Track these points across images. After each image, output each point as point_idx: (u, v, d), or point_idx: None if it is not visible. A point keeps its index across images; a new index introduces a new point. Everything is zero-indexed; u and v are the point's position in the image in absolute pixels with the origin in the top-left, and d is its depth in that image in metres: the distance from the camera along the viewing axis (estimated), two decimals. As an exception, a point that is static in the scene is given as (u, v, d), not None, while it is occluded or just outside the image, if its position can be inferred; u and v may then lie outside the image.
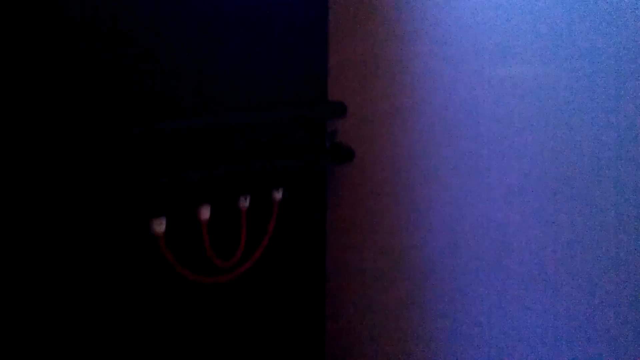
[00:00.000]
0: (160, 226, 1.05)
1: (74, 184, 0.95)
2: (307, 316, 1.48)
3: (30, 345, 0.97)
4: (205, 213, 1.13)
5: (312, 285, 1.47)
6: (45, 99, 0.91)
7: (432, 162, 1.34)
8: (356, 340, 1.53)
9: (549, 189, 1.11)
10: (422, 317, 1.41)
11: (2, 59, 0.87)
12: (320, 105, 1.40)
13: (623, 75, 0.98)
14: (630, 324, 1.02)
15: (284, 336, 1.42)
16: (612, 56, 0.98)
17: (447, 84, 1.28)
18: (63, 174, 0.94)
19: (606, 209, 1.03)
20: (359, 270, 1.50)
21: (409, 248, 1.42)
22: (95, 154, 0.94)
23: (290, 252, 1.39)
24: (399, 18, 1.34)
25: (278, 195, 1.28)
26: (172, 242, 1.09)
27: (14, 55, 0.88)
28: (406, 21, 1.34)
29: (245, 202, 1.21)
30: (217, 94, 1.16)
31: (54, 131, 0.92)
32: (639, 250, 0.99)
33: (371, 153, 1.45)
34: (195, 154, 1.11)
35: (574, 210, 1.08)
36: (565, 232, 1.10)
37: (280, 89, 1.29)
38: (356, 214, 1.49)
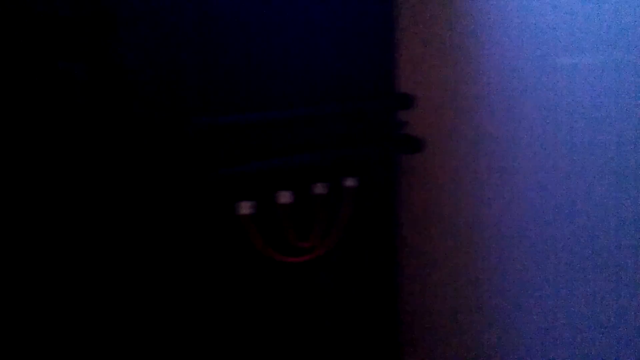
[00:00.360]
0: (246, 208, 1.17)
1: (173, 171, 1.09)
2: (379, 296, 1.56)
3: (129, 319, 1.12)
4: (285, 197, 1.25)
5: (384, 266, 1.56)
6: (151, 95, 1.06)
7: (500, 152, 1.38)
8: (430, 320, 1.60)
9: (626, 178, 1.13)
10: (491, 297, 1.46)
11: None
12: (387, 97, 1.49)
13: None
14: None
15: (358, 315, 1.51)
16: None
17: (518, 74, 1.31)
18: (164, 163, 1.08)
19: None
20: (429, 254, 1.57)
21: (477, 232, 1.47)
22: (191, 144, 1.08)
23: (363, 235, 1.48)
24: (469, 7, 1.40)
25: (351, 183, 1.38)
26: (256, 223, 1.21)
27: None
28: (476, 11, 1.39)
29: (320, 189, 1.31)
30: (293, 88, 1.27)
31: (159, 123, 1.07)
32: None
33: (440, 143, 1.51)
34: (276, 143, 1.23)
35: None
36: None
37: (351, 82, 1.39)
38: (425, 201, 1.56)
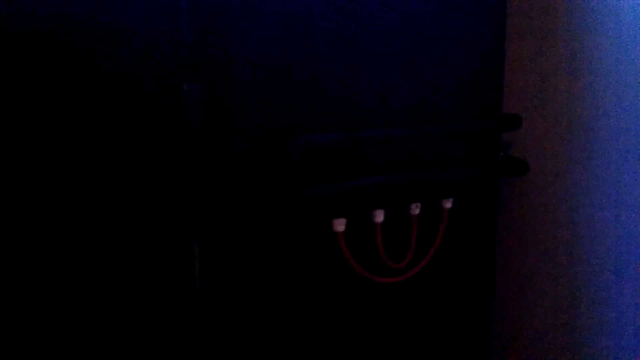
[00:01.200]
0: (340, 226, 1.18)
1: (274, 188, 1.11)
2: (475, 324, 1.51)
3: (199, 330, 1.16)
4: (380, 216, 1.23)
5: (480, 290, 1.50)
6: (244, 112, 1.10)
7: (610, 179, 1.29)
8: (524, 345, 1.52)
9: None
10: (586, 323, 1.36)
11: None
12: (493, 117, 1.43)
13: None
14: None
15: (451, 339, 1.47)
16: None
17: (631, 98, 1.22)
18: (266, 181, 1.11)
19: None
20: (527, 279, 1.49)
21: (578, 262, 1.38)
22: (290, 162, 1.10)
23: (459, 259, 1.44)
24: (581, 29, 1.32)
25: (447, 204, 1.34)
26: (350, 241, 1.21)
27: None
28: (587, 33, 1.30)
29: (416, 209, 1.29)
30: (396, 106, 1.26)
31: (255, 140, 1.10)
32: None
33: (546, 167, 1.43)
34: (373, 163, 1.22)
35: None
36: None
37: (455, 101, 1.35)
38: (527, 228, 1.49)
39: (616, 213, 1.29)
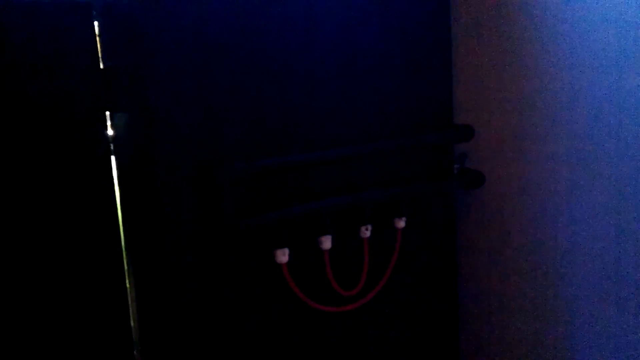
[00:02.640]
0: (283, 256, 1.09)
1: (208, 219, 1.03)
2: (439, 347, 1.44)
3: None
4: (327, 243, 1.15)
5: (442, 313, 1.43)
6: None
7: (568, 185, 1.24)
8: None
9: None
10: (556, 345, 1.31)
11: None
12: (446, 129, 1.36)
13: None
14: None
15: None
16: None
17: (588, 101, 1.17)
18: (198, 211, 1.02)
19: None
20: (493, 297, 1.42)
21: (541, 272, 1.32)
22: (223, 191, 1.01)
23: (417, 280, 1.36)
24: (527, 39, 1.27)
25: (401, 223, 1.27)
26: (296, 271, 1.13)
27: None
28: (534, 41, 1.25)
29: (366, 232, 1.21)
30: (341, 125, 1.18)
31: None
32: None
33: (502, 177, 1.38)
34: (317, 186, 1.14)
35: None
36: None
37: (404, 114, 1.28)
38: (487, 239, 1.42)
39: (572, 215, 1.25)
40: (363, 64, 1.20)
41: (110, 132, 1.03)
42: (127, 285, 1.06)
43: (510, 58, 1.29)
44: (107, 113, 1.00)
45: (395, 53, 1.25)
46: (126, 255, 1.04)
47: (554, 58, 1.22)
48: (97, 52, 0.97)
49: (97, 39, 0.97)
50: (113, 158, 1.02)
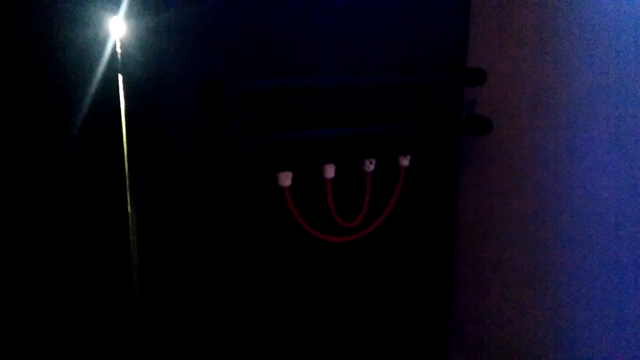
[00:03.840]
0: (286, 180, 1.09)
1: (211, 138, 1.02)
2: (433, 284, 1.45)
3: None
4: (330, 172, 1.15)
5: (438, 257, 1.44)
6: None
7: (577, 139, 1.23)
8: (484, 308, 1.47)
9: None
10: (547, 286, 1.32)
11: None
12: (457, 71, 1.34)
13: None
14: None
15: (407, 302, 1.41)
16: None
17: (601, 57, 1.15)
18: (202, 128, 1.02)
19: None
20: (490, 248, 1.43)
21: (541, 225, 1.32)
22: (227, 108, 1.01)
23: (416, 220, 1.37)
24: None
25: (405, 161, 1.27)
26: (298, 197, 1.13)
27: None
28: None
29: (370, 166, 1.21)
30: (351, 53, 1.16)
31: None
32: None
33: (511, 126, 1.36)
34: (325, 113, 1.14)
35: None
36: None
37: (417, 52, 1.26)
38: (488, 189, 1.42)
39: (582, 177, 1.24)
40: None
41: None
42: (129, 209, 1.06)
43: (532, 8, 1.26)
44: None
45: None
46: (129, 182, 1.04)
47: (575, 13, 1.19)
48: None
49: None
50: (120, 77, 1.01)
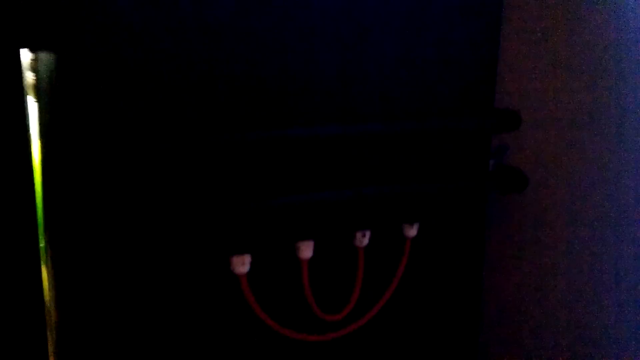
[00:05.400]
0: (241, 266, 0.80)
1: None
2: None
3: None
4: (307, 251, 0.86)
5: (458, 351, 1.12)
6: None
7: (619, 186, 0.93)
8: None
9: None
10: None
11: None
12: (485, 114, 1.03)
13: None
14: None
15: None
16: None
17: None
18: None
19: None
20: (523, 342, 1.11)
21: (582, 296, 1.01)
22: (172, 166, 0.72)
23: (424, 308, 1.05)
24: (580, 25, 0.95)
25: (412, 231, 0.96)
26: (261, 286, 0.84)
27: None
28: (588, 29, 0.94)
29: (363, 239, 0.91)
30: (345, 95, 0.87)
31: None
32: None
33: (550, 179, 1.07)
34: (295, 172, 0.84)
35: None
36: None
37: (432, 91, 0.96)
38: (522, 264, 1.11)
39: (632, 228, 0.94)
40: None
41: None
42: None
43: (562, 47, 0.97)
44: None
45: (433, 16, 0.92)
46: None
47: (607, 50, 0.91)
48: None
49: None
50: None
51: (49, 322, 0.76)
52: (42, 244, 0.76)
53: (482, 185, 1.05)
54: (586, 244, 1.05)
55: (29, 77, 0.75)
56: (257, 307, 0.83)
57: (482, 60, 1.00)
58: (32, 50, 0.72)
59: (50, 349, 0.77)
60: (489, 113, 1.03)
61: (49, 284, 0.77)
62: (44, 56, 0.71)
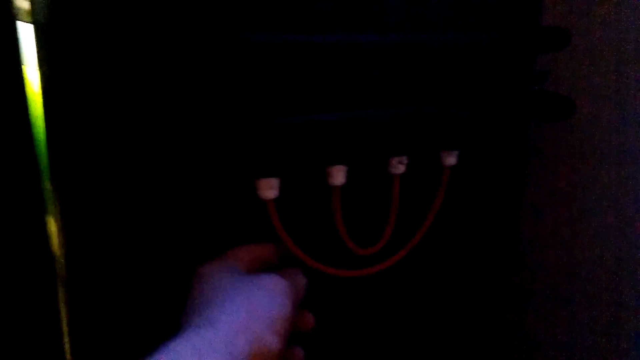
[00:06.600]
0: (269, 190, 0.72)
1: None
2: (487, 330, 1.07)
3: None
4: (339, 177, 0.78)
5: (492, 295, 1.06)
6: None
7: None
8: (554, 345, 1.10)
9: None
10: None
11: None
12: (529, 30, 0.94)
13: None
14: None
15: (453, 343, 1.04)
16: None
17: None
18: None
19: None
20: (558, 279, 1.05)
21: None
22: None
23: (462, 243, 0.99)
24: None
25: (450, 159, 0.88)
26: (290, 214, 0.77)
27: None
28: None
29: (399, 166, 0.83)
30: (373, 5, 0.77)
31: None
32: None
33: (597, 106, 0.98)
34: (331, 87, 0.75)
35: None
36: None
37: (471, 5, 0.86)
38: (563, 197, 1.04)
39: None
40: None
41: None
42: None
43: None
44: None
45: None
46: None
47: None
48: None
49: None
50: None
51: (60, 274, 0.69)
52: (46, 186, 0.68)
53: (524, 111, 0.96)
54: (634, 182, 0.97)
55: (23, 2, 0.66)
56: (284, 234, 0.75)
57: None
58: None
59: (61, 303, 0.70)
60: (534, 29, 0.93)
61: (57, 238, 0.69)
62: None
